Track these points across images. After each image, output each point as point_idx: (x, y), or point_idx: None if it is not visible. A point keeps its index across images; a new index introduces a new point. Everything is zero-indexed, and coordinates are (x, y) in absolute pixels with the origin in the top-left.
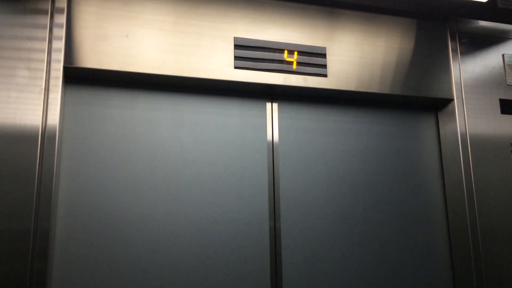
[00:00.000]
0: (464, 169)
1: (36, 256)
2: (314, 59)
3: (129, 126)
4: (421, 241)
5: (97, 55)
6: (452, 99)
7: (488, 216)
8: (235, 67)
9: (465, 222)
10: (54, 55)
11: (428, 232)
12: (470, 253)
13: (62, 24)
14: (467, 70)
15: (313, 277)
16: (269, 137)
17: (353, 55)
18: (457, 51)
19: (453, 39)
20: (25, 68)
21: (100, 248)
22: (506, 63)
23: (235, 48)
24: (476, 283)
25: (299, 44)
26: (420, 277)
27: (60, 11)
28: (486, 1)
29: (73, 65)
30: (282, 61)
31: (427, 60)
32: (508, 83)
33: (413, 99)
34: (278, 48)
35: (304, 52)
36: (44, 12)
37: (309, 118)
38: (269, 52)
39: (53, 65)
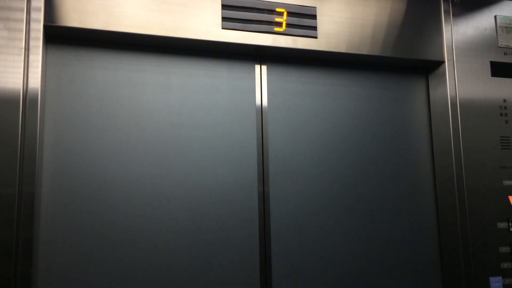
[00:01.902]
0: (453, 132)
1: (22, 223)
2: (304, 20)
3: (113, 88)
4: (410, 203)
5: (78, 13)
6: (443, 62)
7: (476, 179)
8: (223, 28)
9: (453, 185)
10: (33, 14)
11: (416, 194)
12: (456, 217)
13: None
14: (459, 32)
15: (301, 240)
16: (257, 100)
17: (344, 15)
18: (449, 12)
19: (445, 0)
20: (4, 28)
21: (87, 213)
22: (498, 25)
23: (222, 8)
24: (461, 244)
25: (288, 4)
26: (409, 235)
27: None
28: None
29: (53, 24)
30: (271, 22)
31: (418, 21)
32: (500, 45)
33: (404, 61)
34: (266, 8)
35: (294, 12)
36: None
37: (299, 81)
38: (257, 12)
39: (32, 24)
